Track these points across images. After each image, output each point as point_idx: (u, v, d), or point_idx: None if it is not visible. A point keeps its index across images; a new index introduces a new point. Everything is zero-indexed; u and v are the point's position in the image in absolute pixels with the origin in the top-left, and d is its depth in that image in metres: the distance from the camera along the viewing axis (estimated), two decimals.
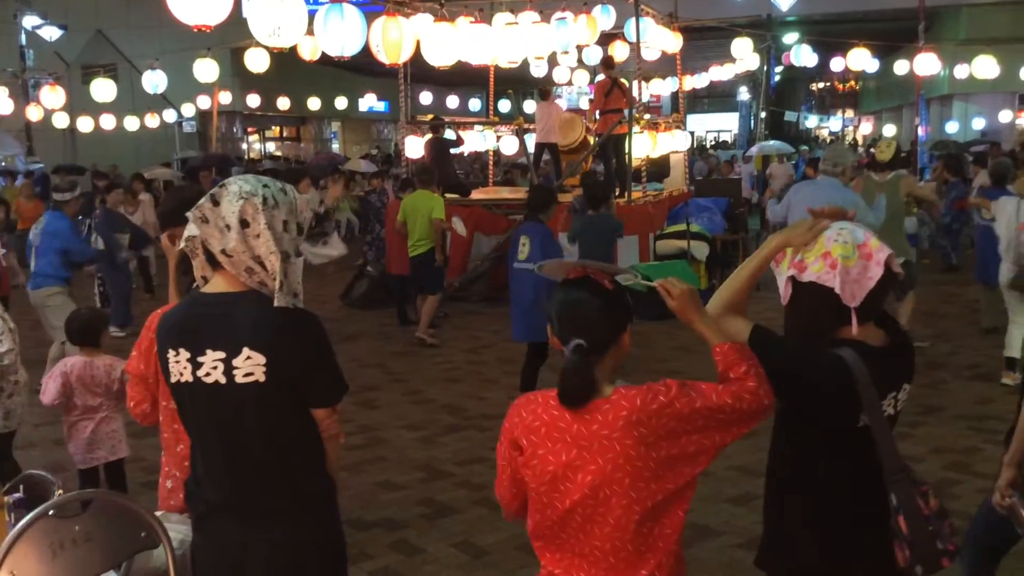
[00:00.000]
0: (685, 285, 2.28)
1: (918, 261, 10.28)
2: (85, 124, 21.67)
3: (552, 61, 16.59)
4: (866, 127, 40.29)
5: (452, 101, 31.28)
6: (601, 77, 13.14)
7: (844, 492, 2.37)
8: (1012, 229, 7.07)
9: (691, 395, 2.11)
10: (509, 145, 15.50)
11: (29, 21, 21.75)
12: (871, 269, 2.27)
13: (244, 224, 2.35)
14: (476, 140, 14.75)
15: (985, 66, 18.06)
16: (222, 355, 2.36)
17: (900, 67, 21.45)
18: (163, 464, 3.13)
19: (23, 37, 22.10)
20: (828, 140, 40.94)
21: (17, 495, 2.97)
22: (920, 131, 20.80)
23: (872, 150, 22.73)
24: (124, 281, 10.50)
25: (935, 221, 13.30)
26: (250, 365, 2.35)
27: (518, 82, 21.87)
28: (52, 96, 18.59)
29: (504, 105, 26.44)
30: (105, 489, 4.59)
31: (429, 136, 12.51)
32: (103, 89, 18.06)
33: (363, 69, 28.64)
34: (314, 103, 29.41)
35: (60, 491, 3.00)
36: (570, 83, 22.12)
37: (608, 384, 2.17)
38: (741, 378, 2.15)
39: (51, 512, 2.72)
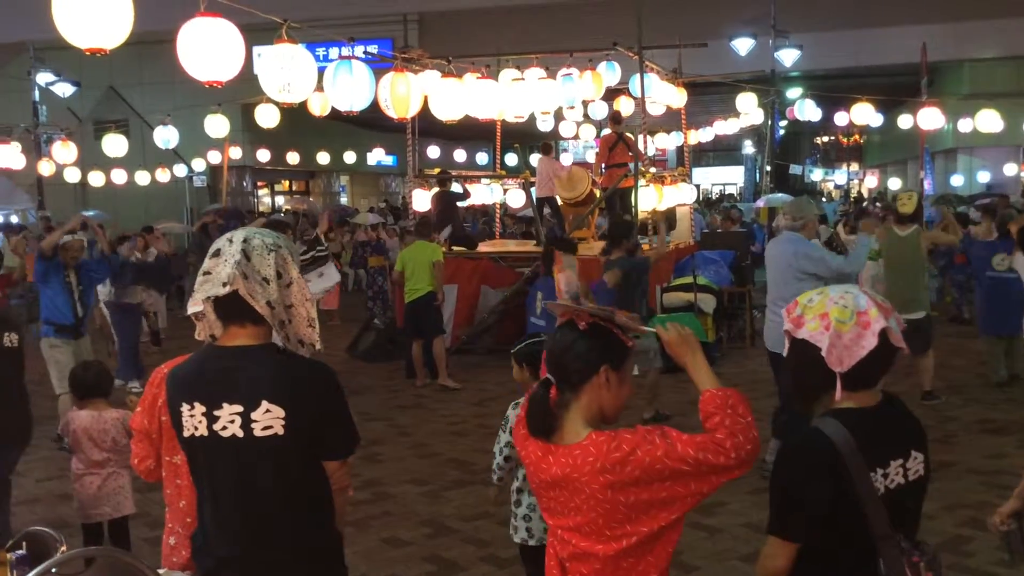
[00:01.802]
0: (686, 329, 2.34)
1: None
2: (96, 179, 21.88)
3: (558, 116, 16.73)
4: (871, 180, 40.45)
5: (459, 155, 31.55)
6: (607, 131, 13.26)
7: None
8: None
9: (655, 443, 2.15)
10: (516, 198, 15.59)
11: (43, 78, 22.03)
12: (865, 339, 2.23)
13: (278, 275, 2.41)
14: (483, 193, 14.84)
15: (988, 120, 18.20)
16: (239, 408, 2.36)
17: (904, 121, 21.58)
18: (167, 520, 3.10)
19: (36, 93, 22.40)
20: (832, 193, 41.12)
21: (19, 552, 2.93)
22: (925, 184, 20.89)
23: (879, 202, 22.87)
24: (132, 331, 10.41)
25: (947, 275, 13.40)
26: (269, 418, 2.35)
27: (525, 136, 21.97)
28: (64, 151, 18.84)
29: (511, 159, 26.63)
30: (109, 546, 4.54)
31: (436, 189, 12.60)
32: (115, 144, 18.31)
33: (371, 124, 28.96)
34: (323, 157, 29.66)
35: (63, 548, 2.95)
36: (576, 137, 22.27)
37: (586, 426, 2.25)
38: (712, 429, 2.20)
39: (54, 570, 2.68)
